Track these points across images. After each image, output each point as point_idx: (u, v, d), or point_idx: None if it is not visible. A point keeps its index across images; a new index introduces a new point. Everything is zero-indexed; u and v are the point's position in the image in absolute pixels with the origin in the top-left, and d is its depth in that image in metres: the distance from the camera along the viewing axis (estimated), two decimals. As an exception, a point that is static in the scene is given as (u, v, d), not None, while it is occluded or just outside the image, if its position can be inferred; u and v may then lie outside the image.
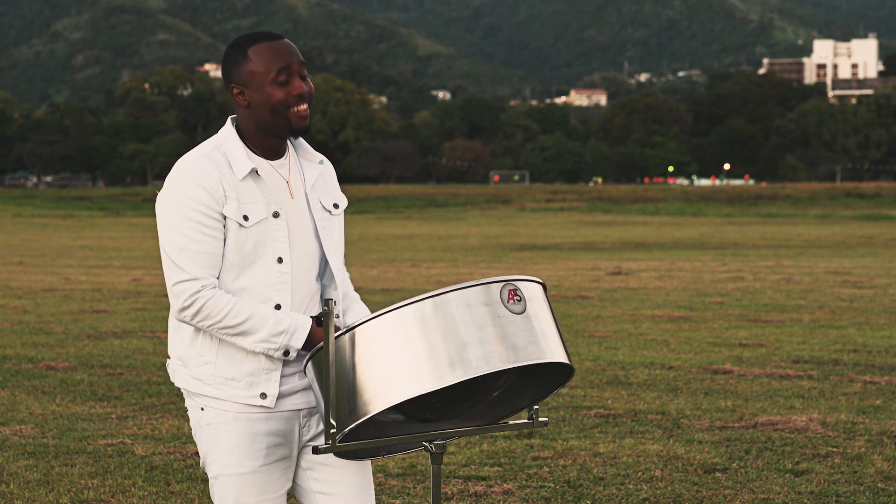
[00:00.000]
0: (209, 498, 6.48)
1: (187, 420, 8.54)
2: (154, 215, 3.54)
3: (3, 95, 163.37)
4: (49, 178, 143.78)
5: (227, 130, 3.48)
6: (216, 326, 3.35)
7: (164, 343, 12.79)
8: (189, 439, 7.91)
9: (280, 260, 3.43)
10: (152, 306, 16.84)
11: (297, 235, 3.48)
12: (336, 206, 3.59)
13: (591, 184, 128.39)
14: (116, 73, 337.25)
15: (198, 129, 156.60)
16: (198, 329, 3.44)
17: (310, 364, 3.26)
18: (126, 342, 12.91)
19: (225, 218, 3.37)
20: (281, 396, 3.47)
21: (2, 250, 33.13)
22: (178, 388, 10.35)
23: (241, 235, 3.38)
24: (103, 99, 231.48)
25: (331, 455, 3.51)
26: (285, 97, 3.39)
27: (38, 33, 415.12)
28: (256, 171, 3.42)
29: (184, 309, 3.36)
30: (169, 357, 3.57)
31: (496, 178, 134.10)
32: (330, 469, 3.54)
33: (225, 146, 3.45)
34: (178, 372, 3.52)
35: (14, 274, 23.69)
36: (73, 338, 13.31)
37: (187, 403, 3.55)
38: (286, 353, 3.36)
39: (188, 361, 3.48)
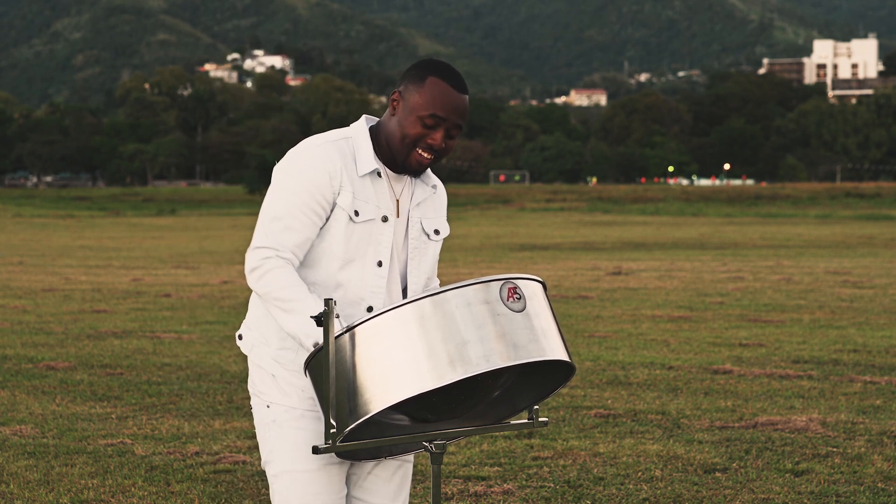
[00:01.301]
0: (209, 498, 6.47)
1: (187, 420, 8.54)
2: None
3: (3, 95, 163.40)
4: (49, 178, 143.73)
5: (360, 126, 3.51)
6: (270, 295, 3.36)
7: (164, 343, 12.79)
8: (189, 439, 7.91)
9: (380, 264, 3.45)
10: (152, 306, 16.83)
11: (392, 249, 3.50)
12: (437, 231, 3.60)
13: (589, 183, 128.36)
14: (116, 73, 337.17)
15: (198, 129, 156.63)
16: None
17: (310, 365, 3.25)
18: (126, 342, 12.90)
19: (334, 207, 3.40)
20: None
21: (2, 250, 33.13)
22: (178, 389, 10.33)
23: (349, 229, 3.41)
24: (103, 99, 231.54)
25: (378, 464, 3.53)
26: (419, 136, 3.40)
27: (38, 33, 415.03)
28: (378, 173, 3.45)
29: (253, 270, 3.38)
30: (243, 329, 3.57)
31: (502, 177, 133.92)
32: (371, 477, 3.57)
33: (355, 140, 3.48)
34: (259, 348, 3.52)
35: (14, 274, 23.68)
36: (73, 338, 13.30)
37: (252, 402, 3.56)
38: (316, 344, 3.33)
39: (271, 342, 3.49)
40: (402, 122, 3.41)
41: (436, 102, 3.36)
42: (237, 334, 3.61)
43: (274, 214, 3.39)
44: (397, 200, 3.50)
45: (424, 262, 3.58)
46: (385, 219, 3.45)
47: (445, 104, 3.37)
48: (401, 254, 3.53)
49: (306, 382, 3.44)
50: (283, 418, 3.47)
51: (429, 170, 3.58)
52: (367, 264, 3.44)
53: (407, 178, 3.54)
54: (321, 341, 3.32)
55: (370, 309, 3.43)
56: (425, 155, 3.41)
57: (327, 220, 3.41)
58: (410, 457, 3.60)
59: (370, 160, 3.43)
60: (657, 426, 8.25)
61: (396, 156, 3.44)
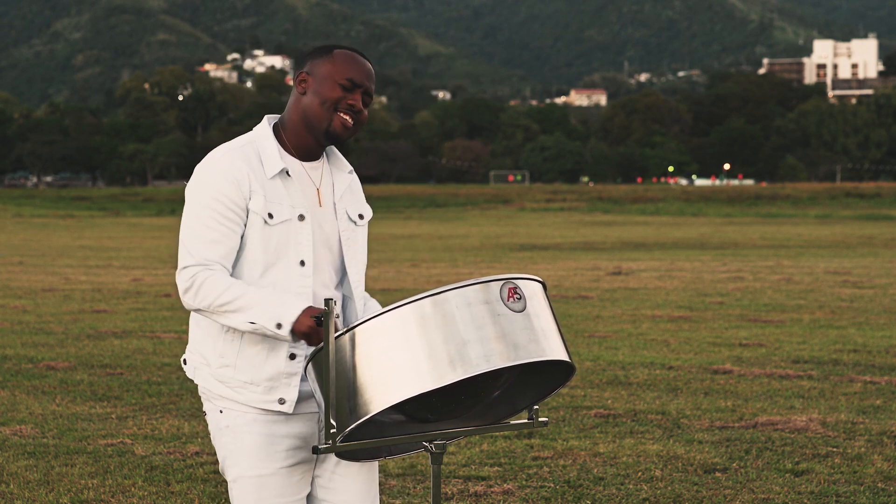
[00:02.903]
0: (209, 498, 6.47)
1: (187, 420, 8.55)
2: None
3: (3, 95, 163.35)
4: (49, 178, 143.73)
5: (263, 128, 3.50)
6: (213, 305, 3.32)
7: (164, 343, 12.78)
8: (189, 439, 7.91)
9: (302, 263, 3.43)
10: (152, 306, 16.83)
11: (320, 243, 3.48)
12: (361, 216, 3.59)
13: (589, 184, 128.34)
14: (116, 73, 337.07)
15: (198, 129, 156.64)
16: (219, 327, 3.41)
17: (310, 365, 3.25)
18: (126, 342, 12.90)
19: (248, 213, 3.38)
20: (301, 399, 3.45)
21: (2, 250, 33.13)
22: (178, 389, 10.34)
23: (266, 232, 3.39)
24: (103, 99, 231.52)
25: (341, 463, 3.52)
26: (340, 99, 3.42)
27: (38, 33, 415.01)
28: (287, 172, 3.43)
29: (186, 290, 3.35)
30: (187, 353, 3.54)
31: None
32: (337, 477, 3.53)
33: (259, 143, 3.46)
34: (201, 370, 3.49)
35: (14, 274, 23.69)
36: (73, 338, 13.30)
37: (206, 407, 3.53)
38: (279, 325, 3.29)
39: (211, 361, 3.46)
40: (318, 91, 3.42)
41: (350, 68, 3.42)
42: (182, 359, 3.57)
43: (193, 233, 3.37)
44: (318, 189, 3.49)
45: (358, 250, 3.57)
46: (301, 217, 3.43)
47: (359, 69, 3.43)
48: (333, 246, 3.51)
49: (252, 397, 3.41)
50: (237, 423, 3.44)
51: (342, 157, 3.58)
52: (290, 265, 3.41)
53: (323, 167, 3.53)
54: (283, 321, 3.28)
55: None
56: (347, 118, 3.42)
57: (245, 226, 3.39)
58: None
59: (276, 160, 3.42)
60: (657, 426, 8.25)
61: (318, 127, 3.43)
